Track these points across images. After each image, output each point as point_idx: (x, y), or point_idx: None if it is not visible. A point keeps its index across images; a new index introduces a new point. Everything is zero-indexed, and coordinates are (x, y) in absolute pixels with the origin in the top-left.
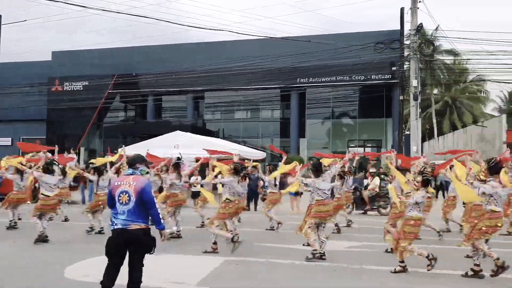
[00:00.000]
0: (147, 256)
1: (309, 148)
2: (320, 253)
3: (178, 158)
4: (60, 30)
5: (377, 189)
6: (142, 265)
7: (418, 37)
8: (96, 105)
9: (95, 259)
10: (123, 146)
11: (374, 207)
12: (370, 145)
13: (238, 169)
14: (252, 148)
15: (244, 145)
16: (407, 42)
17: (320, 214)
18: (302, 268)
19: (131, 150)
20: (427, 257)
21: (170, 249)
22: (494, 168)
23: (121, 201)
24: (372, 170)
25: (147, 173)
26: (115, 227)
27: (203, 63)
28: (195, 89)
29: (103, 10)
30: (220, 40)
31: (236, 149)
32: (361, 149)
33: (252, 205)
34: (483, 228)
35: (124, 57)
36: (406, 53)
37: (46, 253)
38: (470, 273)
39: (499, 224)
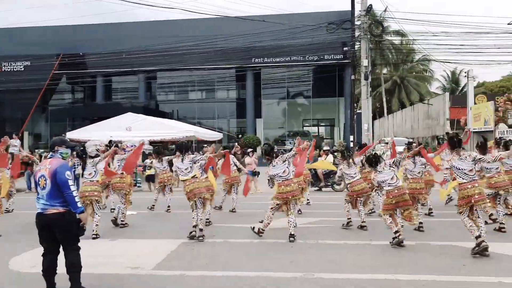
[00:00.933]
0: (105, 241)
1: (266, 128)
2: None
3: (110, 142)
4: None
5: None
6: (75, 249)
7: (368, 18)
8: (40, 86)
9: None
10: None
11: (329, 184)
12: (323, 124)
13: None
14: (208, 129)
15: (200, 126)
16: (357, 23)
17: (282, 195)
18: (259, 245)
19: (80, 134)
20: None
21: (127, 234)
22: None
23: (40, 186)
24: (326, 148)
25: (68, 155)
26: (37, 212)
27: (154, 42)
28: (147, 69)
29: None
30: (173, 19)
31: (191, 130)
32: (315, 128)
33: None
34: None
35: (69, 36)
36: (357, 34)
37: None
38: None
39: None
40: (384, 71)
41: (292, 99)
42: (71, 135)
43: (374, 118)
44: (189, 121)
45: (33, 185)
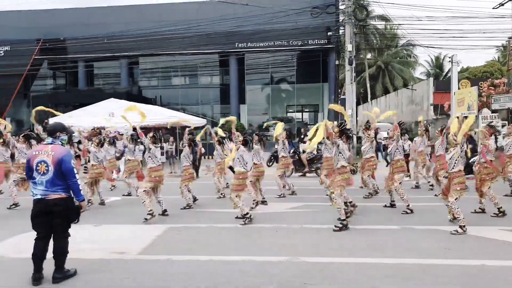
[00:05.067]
0: (88, 227)
1: (249, 114)
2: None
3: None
4: None
5: (315, 152)
6: (66, 236)
7: (352, 2)
8: (21, 72)
9: (29, 234)
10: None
11: (313, 169)
12: (307, 109)
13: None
14: (192, 115)
15: (183, 112)
16: (342, 7)
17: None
18: (245, 230)
19: (63, 120)
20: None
21: (110, 219)
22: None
23: (39, 171)
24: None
25: (68, 142)
26: (35, 197)
27: (136, 27)
28: (129, 54)
29: None
30: (155, 3)
31: (175, 116)
32: (299, 114)
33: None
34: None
35: (49, 20)
36: (341, 18)
37: None
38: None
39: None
40: (368, 56)
41: (276, 84)
42: (54, 121)
43: (358, 103)
44: (173, 107)
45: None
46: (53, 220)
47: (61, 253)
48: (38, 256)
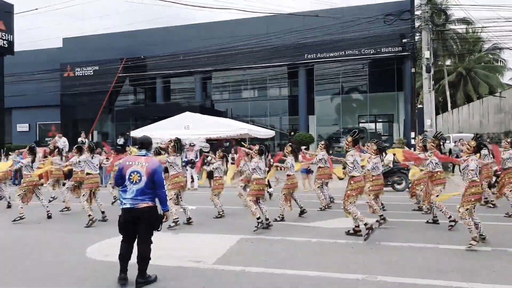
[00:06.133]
0: (168, 234)
1: (319, 125)
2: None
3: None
4: (69, 16)
5: (391, 165)
6: (150, 242)
7: (429, 6)
8: (107, 89)
9: (114, 240)
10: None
11: (389, 183)
12: (381, 120)
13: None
14: (261, 127)
15: (252, 124)
16: (417, 13)
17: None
18: (318, 245)
19: (142, 132)
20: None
21: (187, 228)
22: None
23: (132, 180)
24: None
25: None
26: (124, 206)
27: (209, 43)
28: (203, 69)
29: None
30: (225, 20)
31: (245, 128)
32: (372, 125)
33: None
34: (348, 192)
35: (131, 41)
36: (417, 24)
37: (67, 234)
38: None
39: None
40: (448, 62)
41: (346, 94)
42: (135, 133)
43: (437, 113)
44: (242, 119)
45: (110, 180)
46: (140, 226)
47: (144, 258)
48: (124, 257)
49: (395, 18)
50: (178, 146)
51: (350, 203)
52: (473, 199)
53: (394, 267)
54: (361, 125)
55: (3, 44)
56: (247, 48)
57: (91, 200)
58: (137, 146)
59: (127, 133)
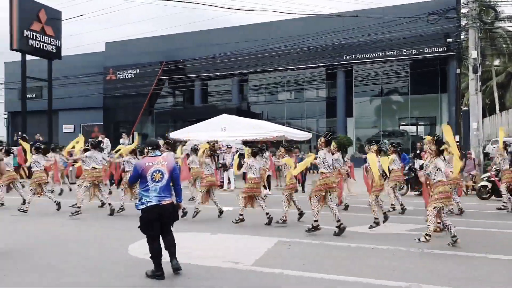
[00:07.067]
0: (206, 235)
1: (357, 127)
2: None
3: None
4: (111, 22)
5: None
6: (172, 230)
7: (477, 4)
8: (147, 91)
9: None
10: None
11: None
12: (423, 122)
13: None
14: (297, 129)
15: (288, 126)
16: (464, 11)
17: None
18: (358, 250)
19: (181, 134)
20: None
21: (226, 229)
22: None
23: (154, 179)
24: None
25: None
26: (148, 204)
27: (247, 46)
28: (240, 72)
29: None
30: (263, 22)
31: (281, 130)
32: (413, 127)
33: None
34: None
35: (170, 44)
36: (463, 23)
37: (108, 230)
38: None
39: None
40: (496, 62)
41: (386, 96)
42: (174, 135)
43: (483, 115)
44: (278, 121)
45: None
46: (164, 221)
47: (171, 245)
48: (160, 253)
49: (439, 17)
50: (209, 151)
51: (315, 196)
52: (441, 197)
53: (438, 275)
54: (401, 127)
55: (52, 49)
56: (284, 50)
57: (94, 194)
58: (150, 148)
59: (166, 135)
